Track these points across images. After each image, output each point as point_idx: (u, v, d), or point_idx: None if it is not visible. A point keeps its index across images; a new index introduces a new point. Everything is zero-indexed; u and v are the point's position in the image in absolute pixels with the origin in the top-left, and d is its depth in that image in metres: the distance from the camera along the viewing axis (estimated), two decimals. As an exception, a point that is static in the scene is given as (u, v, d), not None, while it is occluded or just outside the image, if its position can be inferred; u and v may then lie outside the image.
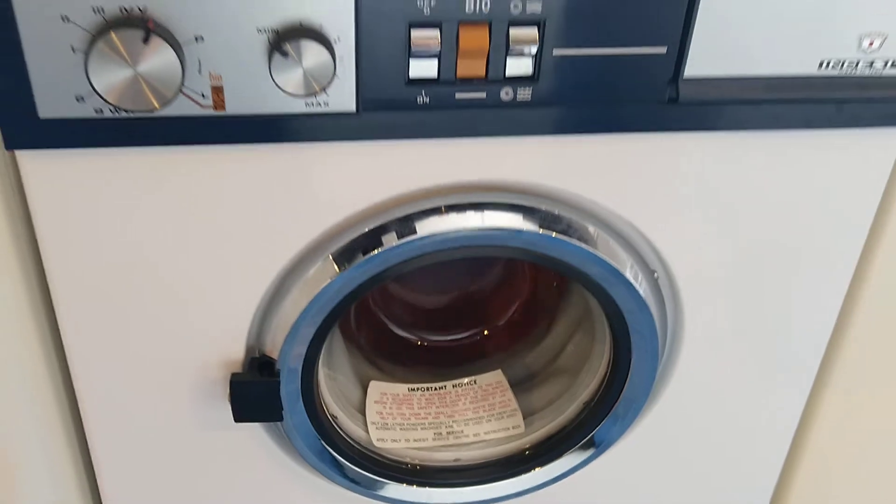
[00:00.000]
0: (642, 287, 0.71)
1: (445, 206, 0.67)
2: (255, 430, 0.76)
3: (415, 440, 0.83)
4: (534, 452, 0.81)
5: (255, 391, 0.72)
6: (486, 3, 0.56)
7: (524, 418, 0.83)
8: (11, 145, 0.58)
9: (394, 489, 0.81)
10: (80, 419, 0.75)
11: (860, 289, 0.75)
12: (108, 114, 0.57)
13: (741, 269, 0.72)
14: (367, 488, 0.80)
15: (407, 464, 0.81)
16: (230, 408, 0.71)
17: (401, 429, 0.83)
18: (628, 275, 0.70)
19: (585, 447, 0.79)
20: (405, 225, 0.68)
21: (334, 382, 0.80)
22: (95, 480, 0.80)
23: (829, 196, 0.69)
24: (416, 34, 0.57)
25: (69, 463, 0.79)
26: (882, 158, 0.67)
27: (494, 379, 0.87)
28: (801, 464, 0.87)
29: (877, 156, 0.67)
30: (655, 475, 0.86)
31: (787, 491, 0.89)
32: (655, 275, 0.72)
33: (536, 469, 0.80)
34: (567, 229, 0.67)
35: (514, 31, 0.58)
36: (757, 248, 0.71)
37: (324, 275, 0.68)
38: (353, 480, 0.80)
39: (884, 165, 0.68)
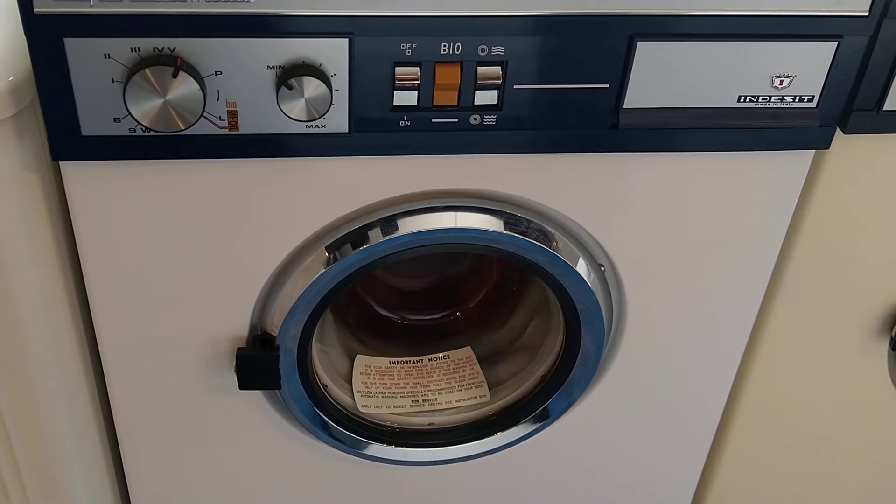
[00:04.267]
0: (590, 278, 0.82)
1: (423, 209, 0.78)
2: (256, 396, 0.87)
3: (395, 406, 0.94)
4: (497, 419, 0.92)
5: (257, 363, 0.83)
6: (458, 47, 0.67)
7: (489, 389, 0.94)
8: (57, 157, 0.69)
9: (376, 448, 0.92)
10: (107, 396, 0.86)
11: (778, 278, 0.87)
12: (140, 132, 0.68)
13: (675, 263, 0.83)
14: (352, 447, 0.92)
15: (388, 427, 0.93)
16: (236, 377, 0.83)
17: (382, 396, 0.94)
18: (578, 268, 0.81)
19: (539, 417, 0.91)
20: (389, 224, 0.78)
21: (326, 356, 0.91)
22: (118, 445, 0.91)
23: (750, 204, 0.80)
24: (400, 71, 0.68)
25: (95, 432, 0.91)
26: (794, 174, 0.78)
27: (465, 354, 0.98)
28: (731, 430, 0.99)
29: (789, 172, 0.78)
30: (599, 443, 0.97)
31: (719, 457, 1.01)
32: (602, 268, 0.83)
33: (498, 433, 0.91)
34: (526, 230, 0.79)
35: (482, 69, 0.68)
36: (688, 246, 0.82)
37: (318, 265, 0.79)
38: (340, 441, 0.91)
39: (796, 180, 0.79)
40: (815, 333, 0.91)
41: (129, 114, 0.65)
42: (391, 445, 0.92)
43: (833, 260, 0.85)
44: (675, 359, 0.90)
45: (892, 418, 0.99)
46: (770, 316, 0.89)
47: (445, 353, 0.98)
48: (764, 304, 0.88)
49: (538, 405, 0.90)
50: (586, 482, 1.01)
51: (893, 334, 0.90)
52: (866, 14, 0.69)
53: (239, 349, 0.82)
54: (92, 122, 0.67)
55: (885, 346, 0.92)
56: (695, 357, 0.91)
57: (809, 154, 0.78)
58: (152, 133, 0.67)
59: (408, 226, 0.78)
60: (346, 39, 0.66)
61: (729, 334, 0.90)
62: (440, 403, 0.95)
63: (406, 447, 0.92)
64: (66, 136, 0.67)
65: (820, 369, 0.94)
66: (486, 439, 0.92)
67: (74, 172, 0.71)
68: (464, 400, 0.95)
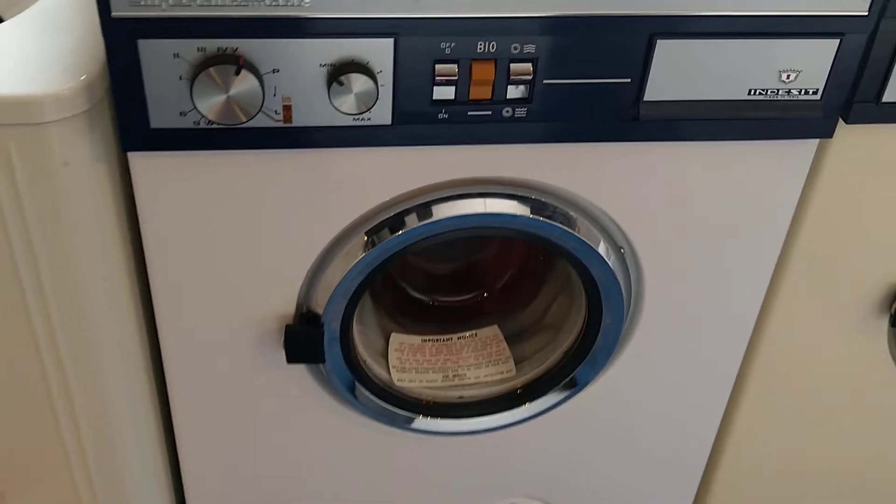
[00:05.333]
0: (611, 260, 0.89)
1: (456, 195, 0.85)
2: (300, 370, 0.94)
3: (427, 381, 1.01)
4: (524, 392, 0.99)
5: (303, 339, 0.89)
6: (493, 45, 0.74)
7: (515, 364, 1.01)
8: (128, 148, 0.76)
9: (410, 420, 0.99)
10: (161, 372, 0.93)
11: (787, 259, 0.93)
12: (203, 125, 0.74)
13: (690, 244, 0.90)
14: (389, 419, 0.99)
15: (421, 400, 1.00)
16: (284, 352, 0.90)
17: (416, 372, 1.01)
18: (600, 250, 0.88)
19: (567, 386, 0.97)
20: (424, 210, 0.85)
21: (364, 334, 0.98)
22: (170, 418, 0.98)
23: (759, 189, 0.87)
24: (440, 68, 0.74)
25: (150, 404, 0.97)
26: (799, 161, 0.85)
27: (492, 332, 1.04)
28: (743, 396, 1.05)
29: (795, 159, 0.85)
30: (620, 410, 1.04)
31: (732, 418, 1.08)
32: (622, 250, 0.90)
33: (526, 404, 0.98)
34: (552, 214, 0.85)
35: (514, 66, 0.75)
36: (702, 229, 0.89)
37: (359, 249, 0.86)
38: (378, 413, 0.98)
39: (802, 166, 0.86)
40: (819, 309, 0.97)
41: (195, 108, 0.72)
42: (425, 417, 0.99)
43: (836, 240, 0.92)
44: (690, 330, 0.97)
45: (891, 390, 1.06)
46: (777, 292, 0.95)
47: (473, 331, 1.04)
48: (772, 281, 0.95)
49: (564, 376, 0.96)
50: (614, 443, 1.08)
51: (893, 311, 0.97)
52: (866, 14, 0.75)
53: (287, 326, 0.89)
54: (160, 116, 0.73)
55: (885, 322, 0.99)
56: (707, 329, 0.97)
57: (814, 143, 0.84)
58: (214, 126, 0.74)
59: (442, 211, 0.85)
60: (392, 39, 0.72)
61: (739, 309, 0.96)
62: (469, 378, 1.01)
63: (439, 418, 0.99)
64: (136, 129, 0.74)
65: (823, 342, 1.01)
66: (515, 410, 0.99)
67: (141, 162, 0.78)
68: (491, 375, 1.01)
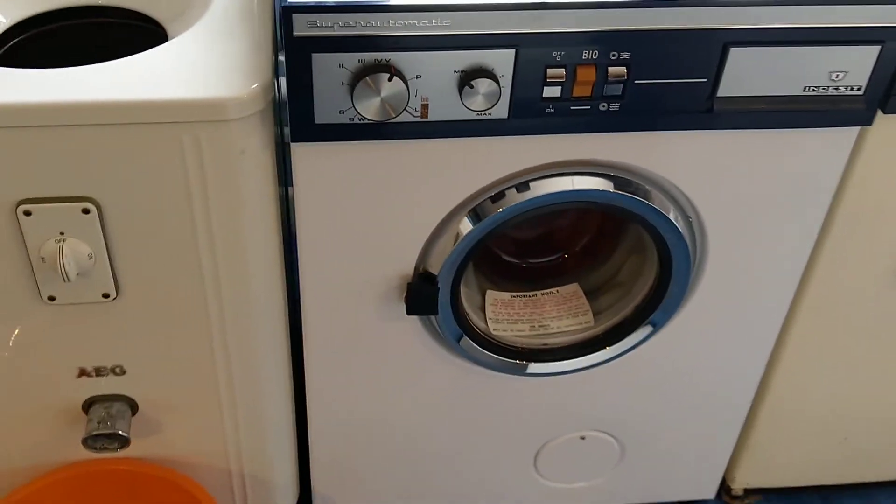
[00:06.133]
0: (681, 226, 1.05)
1: (554, 174, 1.01)
2: (415, 322, 1.11)
3: (517, 330, 1.18)
4: (603, 338, 1.16)
5: (421, 294, 1.06)
6: (594, 53, 0.89)
7: (594, 316, 1.18)
8: (296, 139, 0.92)
9: (506, 364, 1.17)
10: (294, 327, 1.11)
11: (829, 226, 1.10)
12: (357, 121, 0.90)
13: (748, 215, 1.06)
14: (486, 363, 1.16)
15: (514, 346, 1.17)
16: (405, 305, 1.07)
17: (508, 322, 1.18)
18: (672, 218, 1.04)
19: (642, 331, 1.14)
20: (524, 186, 1.01)
21: (467, 291, 1.15)
22: (301, 366, 1.16)
23: (809, 168, 1.02)
24: (550, 72, 0.90)
25: (284, 351, 1.16)
26: (843, 146, 1.01)
27: (572, 289, 1.21)
28: (787, 342, 1.21)
29: (840, 144, 1.01)
30: (683, 353, 1.20)
31: (776, 366, 1.25)
32: (690, 219, 1.06)
33: (607, 348, 1.16)
34: (635, 190, 1.02)
35: (612, 69, 0.91)
36: (759, 202, 1.05)
37: (470, 219, 1.02)
38: (476, 357, 1.15)
39: (846, 149, 1.01)
40: (858, 268, 1.13)
41: (353, 107, 0.89)
42: (518, 360, 1.16)
43: (873, 210, 1.08)
44: (744, 286, 1.13)
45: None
46: (820, 254, 1.11)
47: (556, 288, 1.21)
48: (816, 245, 1.11)
49: (639, 323, 1.13)
50: (674, 384, 1.25)
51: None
52: (903, 25, 0.91)
53: (409, 283, 1.06)
54: (323, 114, 0.90)
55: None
56: (759, 285, 1.14)
57: (856, 129, 1.00)
58: (366, 121, 0.90)
59: (540, 189, 1.01)
60: (513, 50, 0.88)
61: (787, 267, 1.13)
62: (552, 328, 1.18)
63: (530, 361, 1.16)
64: (303, 124, 0.91)
65: (861, 297, 1.17)
66: (596, 353, 1.16)
67: (302, 150, 0.94)
68: (571, 325, 1.18)
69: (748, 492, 1.47)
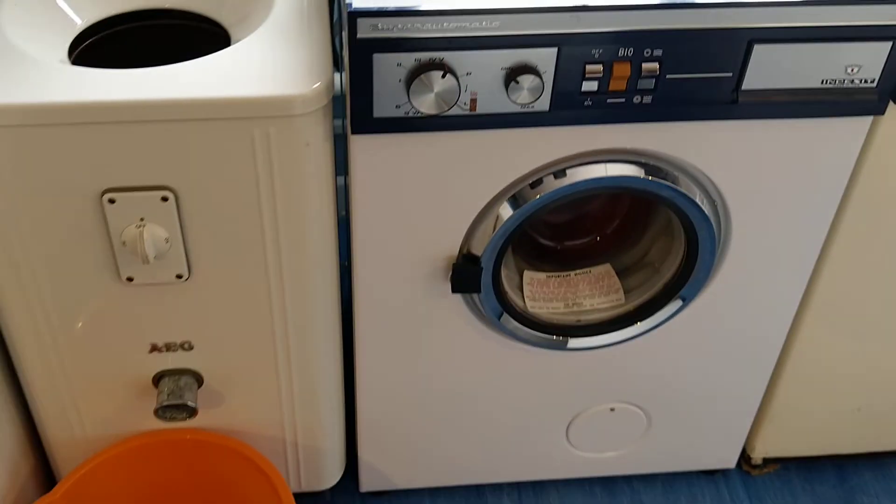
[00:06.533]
0: (707, 209, 1.13)
1: (591, 161, 1.09)
2: (458, 300, 1.20)
3: (552, 308, 1.26)
4: (634, 314, 1.25)
5: (465, 273, 1.14)
6: (630, 51, 0.98)
7: (624, 294, 1.27)
8: (356, 131, 1.01)
9: (542, 338, 1.25)
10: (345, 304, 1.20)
11: (844, 207, 1.17)
12: (411, 115, 0.99)
13: (768, 198, 1.14)
14: (523, 338, 1.24)
15: (549, 323, 1.26)
16: (450, 284, 1.16)
17: (543, 300, 1.26)
18: (698, 201, 1.13)
19: (676, 300, 1.22)
20: (560, 173, 1.10)
21: (506, 271, 1.23)
22: (351, 338, 1.25)
23: (826, 154, 1.10)
24: (589, 68, 0.99)
25: (336, 331, 1.24)
26: (857, 134, 1.08)
27: (604, 269, 1.29)
28: (808, 308, 1.29)
29: (854, 132, 1.08)
30: (710, 325, 1.28)
31: (796, 332, 1.32)
32: (715, 202, 1.15)
33: (638, 323, 1.25)
34: (664, 176, 1.10)
35: (645, 65, 0.99)
36: (779, 186, 1.13)
37: (510, 204, 1.10)
38: (514, 332, 1.24)
39: (860, 136, 1.09)
40: (871, 244, 1.22)
41: (409, 102, 0.97)
42: (554, 336, 1.25)
43: (883, 197, 1.16)
44: (766, 262, 1.21)
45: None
46: (837, 233, 1.19)
47: (588, 269, 1.29)
48: (832, 224, 1.19)
49: (670, 298, 1.22)
50: (702, 355, 1.34)
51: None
52: (913, 22, 0.99)
53: (454, 263, 1.15)
54: (381, 108, 0.98)
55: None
56: (779, 262, 1.22)
57: (869, 118, 1.08)
58: (420, 115, 0.99)
59: (576, 176, 1.09)
60: (556, 48, 0.96)
61: (806, 243, 1.21)
62: (585, 306, 1.27)
63: (566, 336, 1.25)
64: (363, 118, 0.99)
65: (873, 280, 1.25)
66: (627, 329, 1.25)
67: (360, 141, 1.03)
68: (603, 303, 1.26)
69: (767, 461, 1.56)
